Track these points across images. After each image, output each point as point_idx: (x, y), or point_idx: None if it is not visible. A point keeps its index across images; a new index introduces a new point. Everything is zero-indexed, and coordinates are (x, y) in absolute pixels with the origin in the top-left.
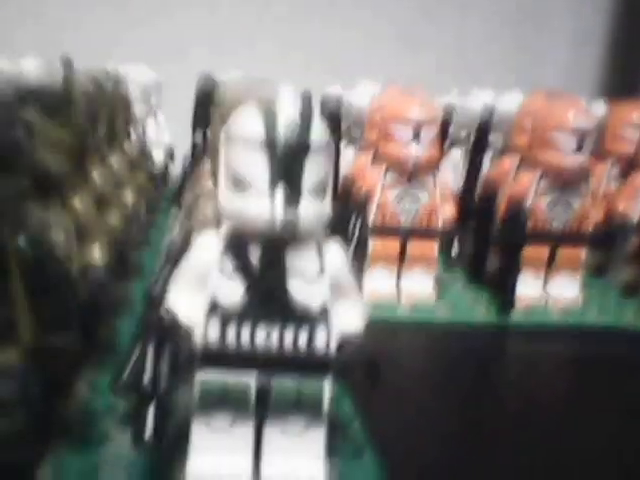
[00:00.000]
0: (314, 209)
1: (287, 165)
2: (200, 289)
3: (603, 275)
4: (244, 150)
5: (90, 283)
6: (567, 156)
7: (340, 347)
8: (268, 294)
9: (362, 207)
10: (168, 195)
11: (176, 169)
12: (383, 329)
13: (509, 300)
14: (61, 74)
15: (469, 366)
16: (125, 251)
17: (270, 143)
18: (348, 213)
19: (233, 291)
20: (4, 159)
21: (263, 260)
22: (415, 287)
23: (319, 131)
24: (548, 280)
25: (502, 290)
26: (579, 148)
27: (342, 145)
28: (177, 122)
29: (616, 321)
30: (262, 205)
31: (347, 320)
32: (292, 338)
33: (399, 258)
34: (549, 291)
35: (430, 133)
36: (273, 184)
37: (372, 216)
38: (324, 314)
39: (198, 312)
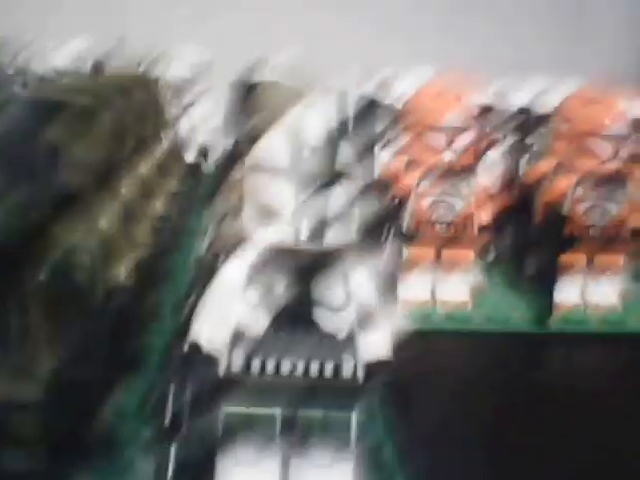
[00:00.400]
0: (339, 234)
1: (313, 193)
2: (225, 316)
3: None
4: (270, 176)
5: (115, 304)
6: (603, 162)
7: (368, 375)
8: (294, 322)
9: (396, 213)
10: (200, 194)
11: (210, 167)
12: (419, 337)
13: (547, 306)
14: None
15: (507, 374)
16: (154, 260)
17: (295, 169)
18: (382, 219)
19: (258, 320)
20: (26, 181)
21: (289, 287)
22: (451, 294)
23: (345, 157)
24: (587, 286)
25: (540, 296)
26: (616, 154)
27: (377, 147)
28: (212, 118)
29: None
30: (287, 230)
31: (374, 348)
32: (318, 367)
33: (434, 264)
34: (588, 297)
35: (465, 139)
36: (298, 209)
37: (406, 222)
38: (351, 343)
39: (223, 340)
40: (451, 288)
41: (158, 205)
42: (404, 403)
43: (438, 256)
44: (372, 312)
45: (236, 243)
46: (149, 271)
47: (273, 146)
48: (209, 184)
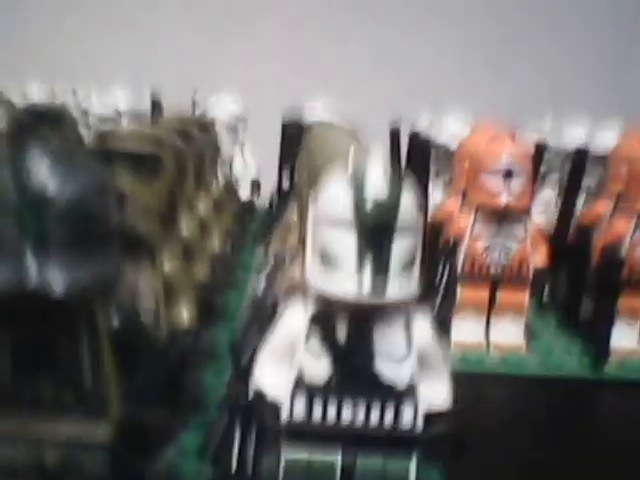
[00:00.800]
0: (401, 286)
1: (375, 243)
2: (287, 364)
3: None
4: (332, 228)
5: (178, 345)
6: None
7: (427, 423)
8: (355, 371)
9: (450, 254)
10: (254, 231)
11: (263, 202)
12: (471, 380)
13: (603, 352)
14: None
15: (561, 421)
16: (211, 298)
17: (358, 222)
18: (436, 259)
19: (319, 367)
20: (97, 230)
21: (350, 336)
22: (505, 337)
23: (407, 208)
24: None
25: (596, 341)
26: None
27: (430, 186)
28: (264, 153)
29: None
30: (349, 282)
31: (434, 395)
32: (378, 415)
33: (488, 307)
34: None
35: (520, 180)
36: (361, 262)
37: (460, 263)
38: (411, 391)
39: (285, 387)
40: (505, 331)
41: (215, 243)
42: (458, 449)
43: (492, 299)
44: (433, 363)
45: (298, 290)
46: (207, 310)
47: (336, 197)
48: (262, 222)
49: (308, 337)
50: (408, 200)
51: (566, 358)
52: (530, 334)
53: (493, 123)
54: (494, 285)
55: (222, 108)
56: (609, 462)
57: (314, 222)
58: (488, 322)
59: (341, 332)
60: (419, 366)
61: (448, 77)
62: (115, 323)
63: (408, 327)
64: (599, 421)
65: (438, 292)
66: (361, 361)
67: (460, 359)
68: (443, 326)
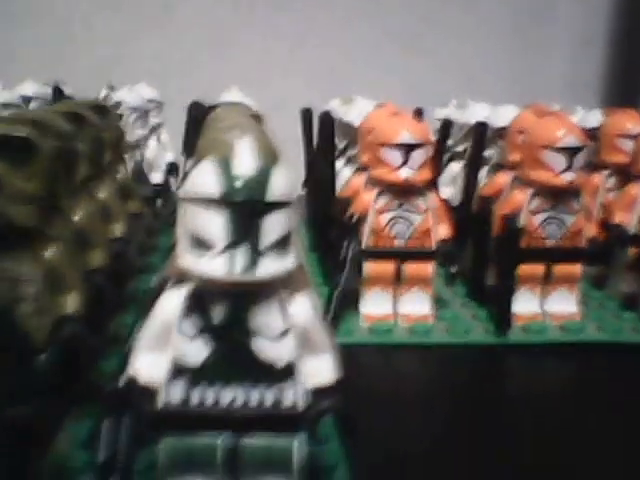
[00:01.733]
0: (275, 265)
1: (244, 221)
2: (163, 349)
3: (602, 287)
4: (201, 207)
5: (65, 332)
6: (557, 175)
7: (310, 400)
8: (232, 351)
9: (355, 230)
10: (168, 214)
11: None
12: (380, 352)
13: (505, 318)
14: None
15: (468, 388)
16: (112, 283)
17: (226, 202)
18: (343, 235)
19: (196, 351)
20: None
21: (226, 319)
22: (412, 309)
23: (277, 186)
24: (545, 297)
25: (498, 308)
26: (569, 166)
27: (338, 164)
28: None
29: (615, 335)
30: (220, 262)
31: (316, 372)
32: (258, 397)
33: (394, 280)
34: (546, 308)
35: (421, 155)
36: (231, 240)
37: (365, 239)
38: (291, 368)
39: (160, 371)
40: (412, 302)
41: (117, 228)
42: (348, 424)
43: (398, 271)
44: (314, 339)
45: (174, 273)
46: (106, 295)
47: (203, 176)
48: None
49: (183, 322)
50: (278, 176)
51: (472, 327)
52: (437, 304)
53: (398, 103)
54: (399, 259)
55: (134, 94)
56: (515, 422)
57: (184, 203)
58: (395, 294)
59: (216, 313)
60: (299, 343)
61: (361, 65)
62: None
63: (285, 304)
64: (504, 383)
65: (344, 266)
66: (238, 341)
67: (369, 331)
68: (349, 299)
